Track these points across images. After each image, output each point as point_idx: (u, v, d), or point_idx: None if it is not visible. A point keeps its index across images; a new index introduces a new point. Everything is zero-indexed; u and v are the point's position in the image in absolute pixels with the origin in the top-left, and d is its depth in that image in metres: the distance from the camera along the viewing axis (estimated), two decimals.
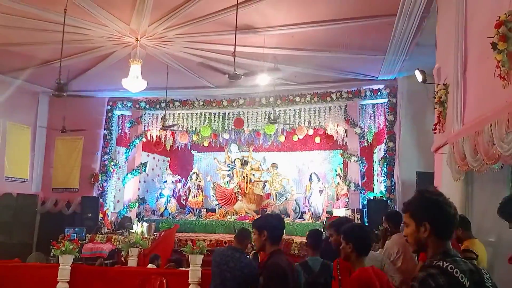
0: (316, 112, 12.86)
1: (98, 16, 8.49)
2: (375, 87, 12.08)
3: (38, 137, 13.41)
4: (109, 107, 14.04)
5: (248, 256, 5.12)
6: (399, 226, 5.41)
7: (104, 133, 13.85)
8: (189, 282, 6.60)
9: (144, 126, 14.35)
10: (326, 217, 12.00)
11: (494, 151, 3.93)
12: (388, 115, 11.82)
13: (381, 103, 12.39)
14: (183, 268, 7.66)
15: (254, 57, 10.14)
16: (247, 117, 13.55)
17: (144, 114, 14.30)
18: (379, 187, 12.36)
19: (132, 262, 9.25)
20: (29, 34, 9.47)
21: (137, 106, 14.12)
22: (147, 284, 7.14)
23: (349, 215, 11.05)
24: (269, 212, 13.56)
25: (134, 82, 9.50)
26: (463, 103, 5.26)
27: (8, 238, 11.74)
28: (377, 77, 11.52)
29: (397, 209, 10.71)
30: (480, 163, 4.36)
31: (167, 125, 13.21)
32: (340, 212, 11.81)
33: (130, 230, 11.74)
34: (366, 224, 10.24)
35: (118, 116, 14.53)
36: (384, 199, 11.31)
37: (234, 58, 7.62)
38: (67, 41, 8.77)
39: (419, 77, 6.83)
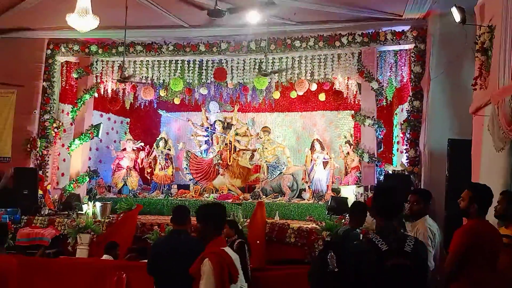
0: (322, 61, 12.77)
1: None
2: (399, 28, 12.02)
3: None
4: (49, 51, 13.79)
5: (192, 236, 5.46)
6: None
7: (43, 86, 13.66)
8: None
9: (96, 77, 14.17)
10: (332, 196, 12.12)
11: None
12: (415, 65, 11.79)
13: (406, 50, 12.34)
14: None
15: None
16: (231, 66, 13.42)
17: (96, 61, 14.09)
18: (400, 159, 12.45)
19: (82, 252, 9.33)
20: None
21: (87, 50, 13.88)
22: (101, 280, 7.21)
23: (361, 194, 11.16)
24: (257, 189, 13.67)
25: (82, 19, 9.34)
26: None
27: None
28: (401, 16, 11.46)
29: (422, 186, 10.87)
30: None
31: (126, 76, 13.08)
32: (349, 190, 11.91)
33: (79, 212, 11.74)
34: None
35: (62, 63, 14.31)
36: (406, 173, 11.41)
37: None
38: None
39: (457, 16, 6.78)
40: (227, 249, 4.28)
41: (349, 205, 6.19)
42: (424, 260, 3.74)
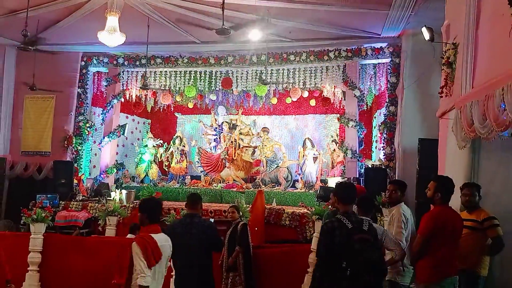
0: (312, 72, 12.77)
1: None
2: (377, 45, 11.99)
3: (5, 95, 13.17)
4: (83, 63, 13.80)
5: (205, 219, 5.62)
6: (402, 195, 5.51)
7: (78, 92, 13.66)
8: None
9: (123, 84, 14.19)
10: (320, 186, 12.12)
11: (504, 117, 3.96)
12: (391, 76, 11.79)
13: (383, 63, 12.34)
14: None
15: (244, 9, 9.97)
16: (236, 76, 13.43)
17: (122, 72, 14.11)
18: (378, 155, 12.46)
19: (110, 231, 9.33)
20: None
21: (115, 62, 13.90)
22: (126, 255, 7.21)
23: None
24: (258, 180, 13.67)
25: (111, 36, 9.35)
26: (474, 64, 5.26)
27: None
28: (379, 35, 11.41)
29: (397, 178, 10.87)
30: (488, 130, 4.39)
31: (148, 84, 13.09)
32: (335, 181, 11.91)
33: (108, 198, 11.77)
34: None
35: (94, 73, 14.33)
36: (383, 167, 11.41)
37: (223, 11, 7.50)
38: None
39: (426, 35, 6.78)
40: (157, 235, 4.33)
41: None
42: (376, 236, 4.25)
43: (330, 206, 6.98)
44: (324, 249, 4.05)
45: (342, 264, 3.90)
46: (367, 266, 3.90)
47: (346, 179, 11.81)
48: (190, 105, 15.17)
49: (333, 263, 3.96)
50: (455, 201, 4.92)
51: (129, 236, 8.17)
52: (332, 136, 13.93)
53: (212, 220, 8.52)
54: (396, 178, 10.90)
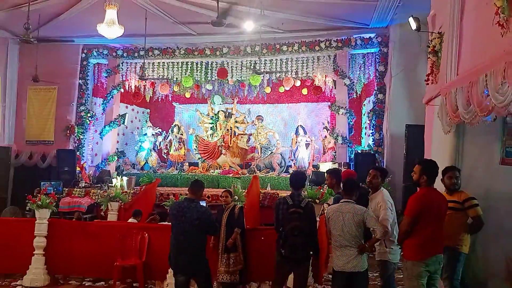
0: (304, 62, 12.76)
1: None
2: (366, 35, 11.98)
3: (9, 87, 13.10)
4: (83, 55, 13.73)
5: (203, 205, 5.71)
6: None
7: (79, 83, 13.62)
8: None
9: (122, 75, 14.14)
10: (312, 171, 12.15)
11: (488, 103, 3.96)
12: (379, 65, 11.80)
13: (372, 52, 12.34)
14: (166, 223, 7.75)
15: (239, 1, 9.91)
16: (231, 67, 13.40)
17: (122, 63, 14.06)
18: (367, 141, 12.49)
19: (112, 216, 9.33)
20: None
21: (114, 54, 13.85)
22: (128, 238, 7.23)
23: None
24: (253, 166, 13.69)
25: (110, 28, 9.28)
26: (458, 52, 5.24)
27: None
28: (368, 25, 11.41)
29: (384, 164, 10.92)
30: (472, 115, 4.39)
31: (146, 75, 13.02)
32: (326, 166, 11.94)
33: (109, 184, 11.77)
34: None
35: (94, 64, 14.26)
36: (372, 152, 11.45)
37: (218, 3, 7.44)
38: None
39: (413, 25, 6.74)
40: None
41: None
42: (310, 211, 5.28)
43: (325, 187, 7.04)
44: (274, 220, 5.42)
45: (280, 229, 5.26)
46: (293, 231, 5.08)
47: (337, 164, 11.83)
48: (188, 95, 15.12)
49: (278, 229, 5.35)
50: (436, 185, 4.93)
51: (130, 220, 8.19)
52: (323, 123, 13.92)
53: (204, 203, 8.52)
54: (385, 162, 10.98)
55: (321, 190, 7.78)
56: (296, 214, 5.18)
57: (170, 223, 5.78)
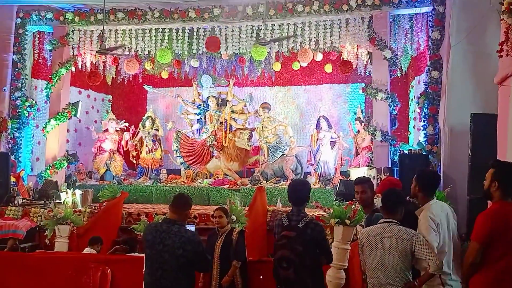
0: (327, 27, 12.76)
1: None
2: None
3: None
4: (19, 20, 13.78)
5: (189, 229, 5.60)
6: (434, 192, 5.47)
7: (13, 59, 13.68)
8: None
9: (73, 48, 14.14)
10: (340, 179, 12.15)
11: None
12: (433, 31, 11.77)
13: (422, 13, 12.34)
14: (136, 254, 7.77)
15: None
16: (226, 35, 13.40)
17: (72, 31, 14.05)
18: (417, 137, 12.47)
19: (61, 245, 9.34)
20: None
21: (62, 18, 13.83)
22: (83, 275, 7.24)
23: (373, 178, 11.19)
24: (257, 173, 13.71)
25: None
26: None
27: None
28: None
29: (440, 169, 10.90)
30: None
31: (107, 47, 13.02)
32: (359, 172, 11.93)
33: (57, 201, 11.77)
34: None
35: (34, 33, 14.30)
36: (424, 153, 11.44)
37: None
38: None
39: None
40: None
41: None
42: (311, 232, 5.31)
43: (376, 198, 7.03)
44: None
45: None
46: (280, 262, 5.32)
47: (374, 170, 11.83)
48: (164, 75, 15.15)
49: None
50: None
51: (86, 250, 8.20)
52: (355, 113, 13.93)
53: (192, 227, 8.53)
54: (441, 167, 10.96)
55: (353, 206, 7.79)
56: (285, 239, 5.34)
57: (142, 254, 5.79)
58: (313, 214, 10.22)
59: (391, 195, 5.13)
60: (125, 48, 13.82)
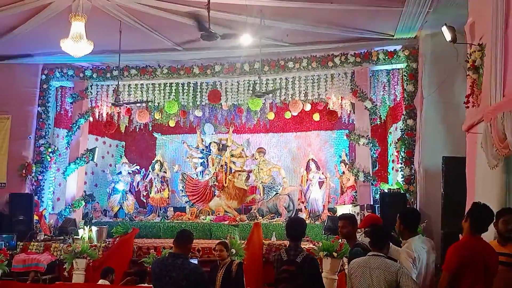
0: (315, 81, 12.84)
1: None
2: (391, 48, 12.09)
3: None
4: (44, 76, 13.84)
5: (192, 262, 5.69)
6: (417, 228, 5.47)
7: (38, 111, 13.67)
8: None
9: (91, 101, 14.19)
10: (328, 216, 12.09)
11: None
12: (407, 84, 11.85)
13: (398, 69, 12.41)
14: (146, 285, 7.68)
15: (234, 10, 10.04)
16: (225, 88, 13.47)
17: (91, 86, 14.14)
18: (396, 177, 12.45)
19: (78, 277, 9.25)
20: None
21: (81, 75, 13.92)
22: None
23: (357, 214, 11.15)
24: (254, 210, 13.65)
25: (76, 44, 9.36)
26: (504, 68, 5.30)
27: None
28: (393, 36, 11.51)
29: (417, 206, 10.86)
30: None
31: (122, 100, 13.10)
32: (345, 209, 11.88)
33: (75, 237, 11.66)
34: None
35: (56, 88, 14.35)
36: (402, 192, 11.42)
37: (209, 12, 7.55)
38: None
39: (447, 35, 6.84)
40: None
41: None
42: (308, 267, 5.23)
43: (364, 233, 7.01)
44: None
45: None
46: None
47: (358, 207, 11.79)
48: (172, 124, 15.15)
49: None
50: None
51: (101, 282, 8.10)
52: (340, 156, 13.94)
53: (195, 261, 8.47)
54: (418, 204, 10.92)
55: (340, 240, 7.75)
56: (286, 273, 5.26)
57: (151, 285, 5.72)
58: (303, 247, 10.19)
59: (379, 231, 5.10)
60: (137, 100, 13.86)
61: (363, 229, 6.41)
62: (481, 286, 4.45)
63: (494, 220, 4.96)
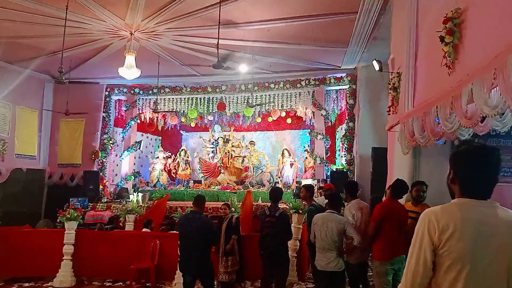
0: (288, 96, 12.82)
1: (96, 11, 8.23)
2: (338, 75, 12.09)
3: (45, 120, 13.08)
4: (107, 92, 13.73)
5: (205, 216, 5.68)
6: (356, 194, 5.49)
7: (103, 116, 13.57)
8: None
9: (138, 109, 14.11)
10: (296, 186, 12.08)
11: (438, 129, 3.99)
12: (349, 99, 11.88)
13: (343, 89, 12.40)
14: (174, 231, 7.65)
15: (235, 48, 10.00)
16: (229, 101, 13.43)
17: (138, 99, 14.05)
18: (341, 161, 12.49)
19: (129, 226, 9.21)
20: (36, 28, 9.13)
21: (132, 92, 13.85)
22: (142, 245, 7.12)
23: (315, 184, 11.17)
24: (247, 183, 13.63)
25: (129, 71, 9.30)
26: (414, 88, 5.30)
27: (19, 207, 11.46)
28: (340, 67, 11.53)
29: (355, 179, 10.90)
30: (426, 139, 4.43)
31: (159, 108, 13.02)
32: (307, 182, 11.88)
33: (127, 199, 11.62)
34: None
35: (115, 100, 14.24)
36: (345, 170, 11.44)
37: (218, 50, 7.51)
38: (69, 34, 8.52)
39: (376, 66, 6.84)
40: None
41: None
42: (283, 219, 5.41)
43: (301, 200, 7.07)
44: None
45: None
46: (266, 237, 5.41)
47: (316, 180, 11.80)
48: (193, 124, 15.09)
49: (260, 235, 5.58)
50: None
51: (144, 230, 8.07)
52: (304, 147, 13.95)
53: (208, 216, 8.44)
54: (355, 178, 10.96)
55: (304, 202, 7.73)
56: (269, 223, 5.42)
57: (178, 232, 5.70)
58: (280, 206, 10.17)
59: (336, 197, 5.10)
60: (170, 109, 13.79)
61: (321, 192, 6.59)
62: (395, 232, 4.48)
63: (410, 189, 4.99)
